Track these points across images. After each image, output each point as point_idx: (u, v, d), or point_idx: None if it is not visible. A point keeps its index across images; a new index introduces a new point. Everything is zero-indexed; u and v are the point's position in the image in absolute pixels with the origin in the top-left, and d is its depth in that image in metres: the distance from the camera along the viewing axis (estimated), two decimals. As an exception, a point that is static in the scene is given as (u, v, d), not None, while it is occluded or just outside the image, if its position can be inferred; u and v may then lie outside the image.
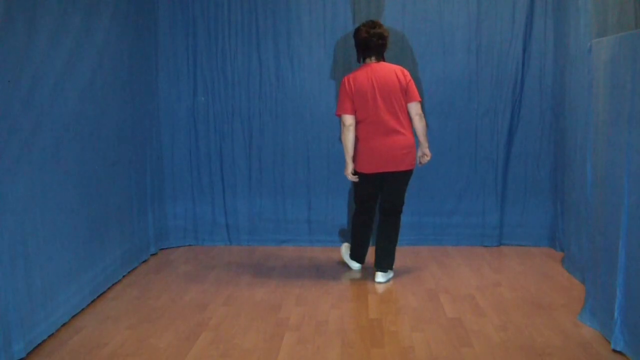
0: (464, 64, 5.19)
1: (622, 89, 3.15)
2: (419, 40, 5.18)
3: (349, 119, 4.29)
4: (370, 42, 4.28)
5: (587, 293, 3.62)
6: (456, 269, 4.72)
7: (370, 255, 4.76)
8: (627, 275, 3.10)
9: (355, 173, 4.38)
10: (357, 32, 4.35)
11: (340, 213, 5.37)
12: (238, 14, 5.23)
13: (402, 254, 4.91)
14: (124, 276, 4.52)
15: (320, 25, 5.22)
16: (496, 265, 4.84)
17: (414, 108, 4.28)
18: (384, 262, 4.41)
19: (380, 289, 4.29)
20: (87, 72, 3.91)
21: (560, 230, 5.05)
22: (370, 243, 4.73)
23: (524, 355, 3.19)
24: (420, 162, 4.47)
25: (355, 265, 4.69)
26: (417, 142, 4.37)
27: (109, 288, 4.24)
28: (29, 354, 3.19)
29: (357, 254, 4.67)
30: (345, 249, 4.81)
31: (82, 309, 3.83)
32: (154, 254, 5.14)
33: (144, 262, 4.93)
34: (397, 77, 4.24)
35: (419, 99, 4.30)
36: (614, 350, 3.18)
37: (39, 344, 3.31)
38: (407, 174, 4.36)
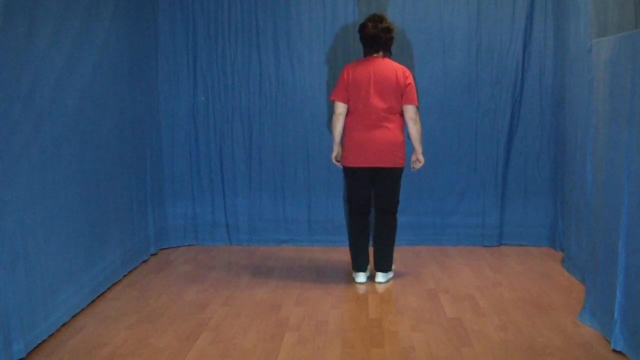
0: (463, 64, 5.19)
1: (622, 89, 3.15)
2: (418, 40, 5.18)
3: (340, 107, 4.26)
4: (377, 37, 4.22)
5: (587, 293, 3.62)
6: (456, 269, 4.71)
7: (370, 255, 4.76)
8: (627, 275, 3.10)
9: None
10: (363, 27, 4.28)
11: (340, 213, 5.37)
12: (238, 14, 5.23)
13: (402, 254, 4.91)
14: (124, 276, 4.51)
15: (320, 25, 5.22)
16: (496, 265, 4.84)
17: (409, 111, 4.20)
18: (383, 264, 4.38)
19: (380, 289, 4.28)
20: (87, 72, 3.91)
21: (560, 230, 5.04)
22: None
23: (524, 355, 3.19)
24: (413, 168, 4.39)
25: (360, 278, 4.38)
26: (411, 146, 4.31)
27: (109, 288, 4.24)
28: (29, 354, 3.19)
29: (358, 263, 4.41)
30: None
31: (82, 309, 3.82)
32: (154, 254, 5.14)
33: (144, 262, 4.92)
34: (397, 76, 4.19)
35: (416, 104, 4.22)
36: (614, 350, 3.18)
37: (39, 344, 3.30)
38: (393, 172, 4.25)
